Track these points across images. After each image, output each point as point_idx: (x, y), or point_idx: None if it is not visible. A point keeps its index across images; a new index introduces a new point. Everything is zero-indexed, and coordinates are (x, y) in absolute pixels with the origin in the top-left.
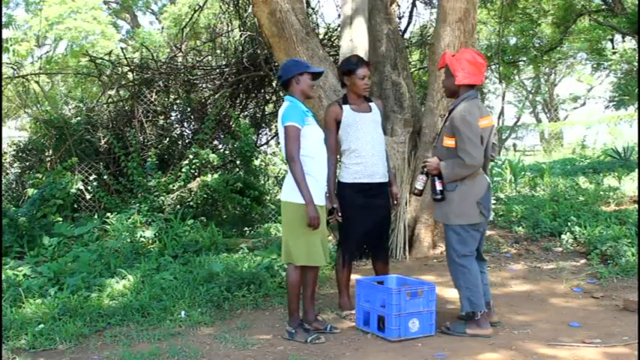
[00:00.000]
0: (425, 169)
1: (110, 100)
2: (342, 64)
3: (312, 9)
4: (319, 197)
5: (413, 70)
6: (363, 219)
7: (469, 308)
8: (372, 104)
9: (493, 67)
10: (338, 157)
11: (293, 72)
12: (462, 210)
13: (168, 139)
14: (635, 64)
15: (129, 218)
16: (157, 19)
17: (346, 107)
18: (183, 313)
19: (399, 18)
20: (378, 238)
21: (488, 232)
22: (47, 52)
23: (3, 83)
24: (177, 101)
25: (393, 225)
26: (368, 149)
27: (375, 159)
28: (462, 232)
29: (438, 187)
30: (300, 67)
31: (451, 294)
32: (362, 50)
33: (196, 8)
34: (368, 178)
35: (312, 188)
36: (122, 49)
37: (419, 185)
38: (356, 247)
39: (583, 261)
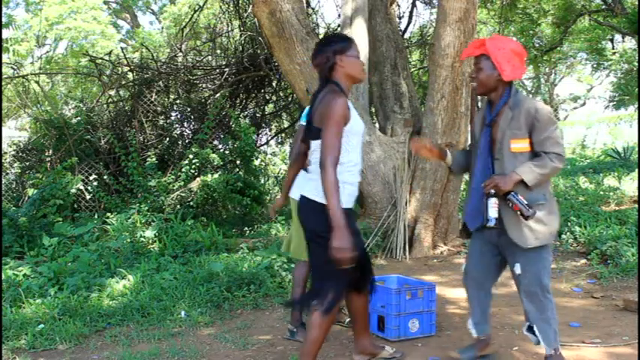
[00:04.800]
0: (492, 192)
1: (110, 100)
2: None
3: (312, 9)
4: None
5: (413, 70)
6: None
7: (555, 343)
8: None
9: None
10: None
11: None
12: (554, 224)
13: (168, 139)
14: (635, 64)
15: (129, 218)
16: (157, 19)
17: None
18: (183, 313)
19: (399, 18)
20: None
21: None
22: (47, 52)
23: (3, 83)
24: (177, 101)
25: (393, 225)
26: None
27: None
28: (550, 250)
29: (524, 201)
30: None
31: (451, 294)
32: (362, 50)
33: (196, 8)
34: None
35: None
36: (122, 49)
37: (493, 213)
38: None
39: (583, 261)
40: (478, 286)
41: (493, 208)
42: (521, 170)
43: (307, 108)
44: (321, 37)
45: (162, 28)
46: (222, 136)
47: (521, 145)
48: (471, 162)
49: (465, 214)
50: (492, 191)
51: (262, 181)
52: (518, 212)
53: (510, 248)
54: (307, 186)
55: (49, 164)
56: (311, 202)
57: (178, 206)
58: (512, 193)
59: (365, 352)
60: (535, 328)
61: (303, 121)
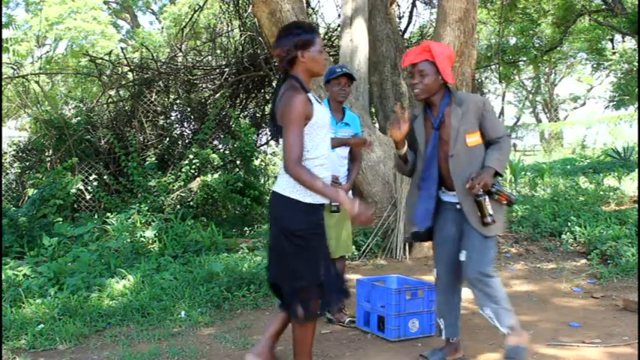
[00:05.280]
0: (481, 190)
1: (110, 100)
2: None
3: (312, 9)
4: None
5: None
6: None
7: (511, 321)
8: None
9: (493, 67)
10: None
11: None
12: (503, 214)
13: (168, 139)
14: (635, 64)
15: (129, 218)
16: (157, 19)
17: (311, 97)
18: (183, 313)
19: (399, 18)
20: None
21: None
22: (47, 52)
23: (3, 83)
24: (177, 101)
25: (393, 225)
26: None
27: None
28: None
29: (507, 190)
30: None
31: None
32: (362, 50)
33: (196, 8)
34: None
35: None
36: (122, 49)
37: (490, 210)
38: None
39: (583, 261)
40: (450, 288)
41: (489, 205)
42: (492, 162)
43: None
44: (321, 36)
45: (162, 28)
46: (222, 136)
47: (475, 138)
48: (408, 169)
49: (415, 217)
50: (481, 191)
51: (262, 181)
52: (505, 202)
53: (464, 237)
54: (279, 181)
55: (49, 164)
56: (283, 198)
57: (178, 206)
58: (495, 186)
59: (261, 357)
60: (488, 311)
61: None
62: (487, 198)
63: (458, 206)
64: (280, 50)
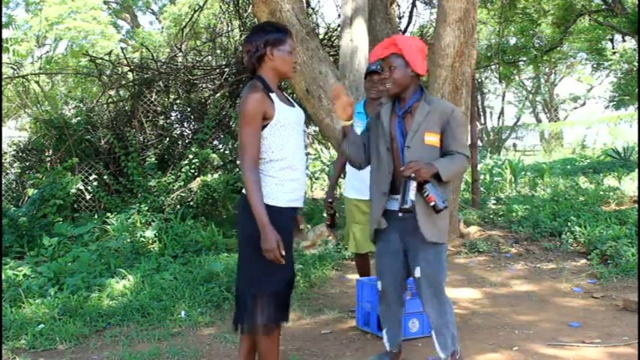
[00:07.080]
0: (412, 175)
1: (110, 100)
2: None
3: (312, 9)
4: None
5: None
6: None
7: (453, 347)
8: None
9: (493, 67)
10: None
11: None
12: (448, 221)
13: (168, 139)
14: (635, 64)
15: (129, 218)
16: (157, 19)
17: (273, 97)
18: (183, 313)
19: (399, 18)
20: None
21: (488, 232)
22: (47, 52)
23: (3, 83)
24: (177, 101)
25: None
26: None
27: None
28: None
29: (439, 194)
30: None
31: (451, 294)
32: (362, 50)
33: (196, 8)
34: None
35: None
36: (122, 49)
37: (413, 195)
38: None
39: (583, 261)
40: (396, 301)
41: (413, 191)
42: (439, 164)
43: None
44: (321, 37)
45: (162, 28)
46: (222, 136)
47: (433, 138)
48: (363, 156)
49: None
50: (413, 175)
51: None
52: (432, 203)
53: (413, 251)
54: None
55: (49, 164)
56: (244, 198)
57: (178, 206)
58: (430, 183)
59: None
60: (433, 334)
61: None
62: (413, 183)
63: (400, 214)
64: (250, 46)
